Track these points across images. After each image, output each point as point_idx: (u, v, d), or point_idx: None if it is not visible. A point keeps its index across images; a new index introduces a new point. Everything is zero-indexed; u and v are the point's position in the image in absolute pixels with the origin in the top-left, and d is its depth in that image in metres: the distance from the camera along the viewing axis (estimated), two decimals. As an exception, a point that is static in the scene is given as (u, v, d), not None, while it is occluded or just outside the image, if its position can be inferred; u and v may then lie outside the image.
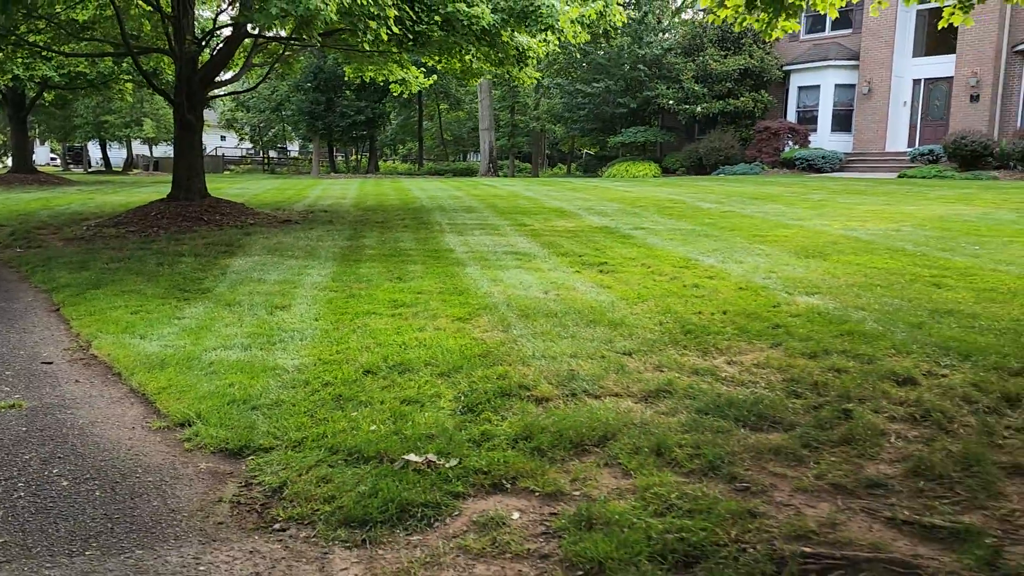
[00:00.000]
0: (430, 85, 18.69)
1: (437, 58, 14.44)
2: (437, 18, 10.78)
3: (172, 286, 7.77)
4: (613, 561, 2.70)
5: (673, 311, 6.21)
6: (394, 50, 12.37)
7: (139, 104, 42.17)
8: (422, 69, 18.57)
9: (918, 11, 27.49)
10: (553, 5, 10.84)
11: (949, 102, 26.82)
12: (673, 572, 2.67)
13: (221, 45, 13.04)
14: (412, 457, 3.52)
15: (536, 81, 16.98)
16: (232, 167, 57.70)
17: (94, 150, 61.38)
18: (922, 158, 25.10)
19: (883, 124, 28.51)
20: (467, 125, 55.86)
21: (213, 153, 59.10)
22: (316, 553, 2.89)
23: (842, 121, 30.02)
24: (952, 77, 26.53)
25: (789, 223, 11.64)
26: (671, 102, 31.09)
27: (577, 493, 3.25)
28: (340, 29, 10.49)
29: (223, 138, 68.14)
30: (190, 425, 4.08)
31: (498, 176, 38.36)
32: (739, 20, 6.85)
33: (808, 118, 30.78)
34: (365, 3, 8.86)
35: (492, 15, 11.06)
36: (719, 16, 6.81)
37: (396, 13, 9.43)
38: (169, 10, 12.44)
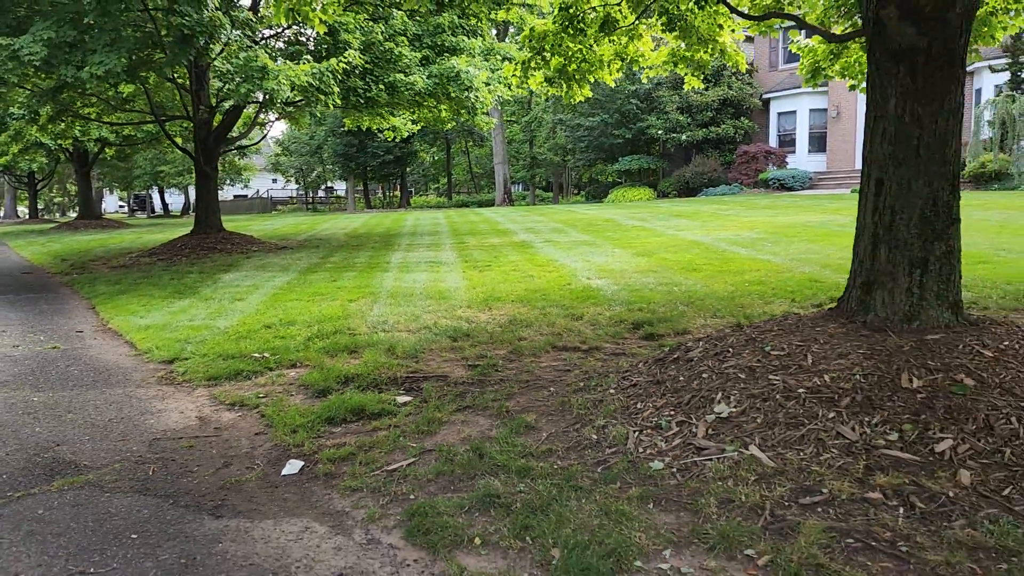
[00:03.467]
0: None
1: (407, 112, 17.72)
2: (382, 86, 14.03)
3: (173, 291, 11.04)
4: (334, 382, 5.71)
5: (492, 291, 9.18)
6: (354, 111, 15.64)
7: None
8: (410, 118, 21.89)
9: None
10: (469, 71, 13.99)
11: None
12: (370, 391, 5.63)
13: (228, 112, 16.51)
14: (255, 355, 6.59)
15: (492, 125, 20.02)
16: (280, 207, 62.28)
17: (157, 197, 66.83)
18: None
19: (852, 144, 30.83)
20: (493, 160, 59.33)
21: (263, 195, 63.86)
22: (188, 390, 5.95)
23: (817, 142, 32.44)
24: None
25: (668, 233, 14.46)
26: (660, 132, 33.92)
27: (329, 367, 6.25)
28: (298, 101, 13.81)
29: (274, 180, 73.22)
30: (149, 352, 7.21)
31: (513, 205, 41.54)
32: (544, 91, 9.86)
33: (788, 141, 33.28)
34: (313, 85, 12.14)
35: (427, 80, 14.26)
36: (525, 87, 9.82)
37: (339, 89, 12.68)
38: (187, 85, 15.98)
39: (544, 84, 10.08)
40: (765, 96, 33.65)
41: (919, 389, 3.82)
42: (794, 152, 32.68)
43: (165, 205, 58.38)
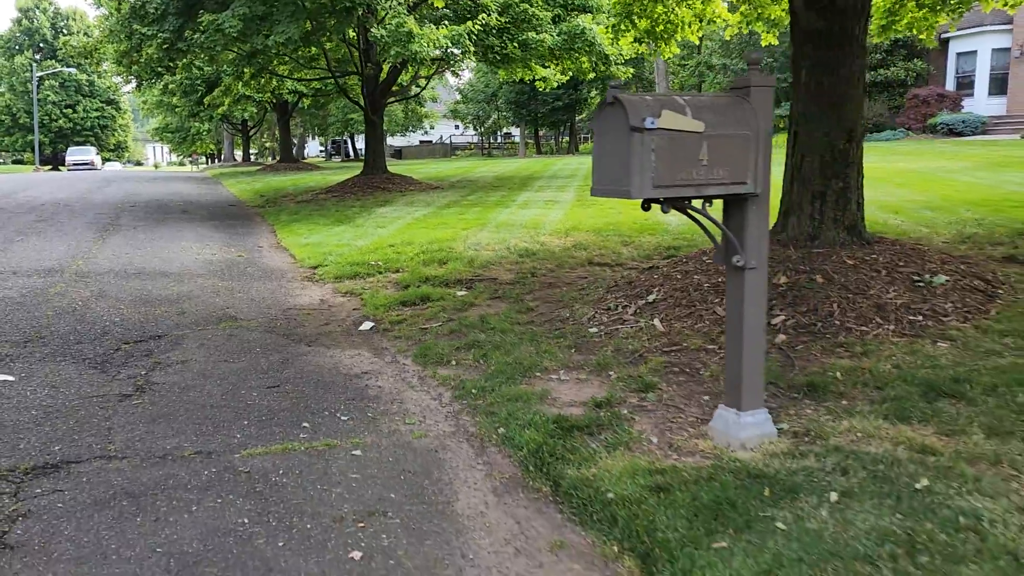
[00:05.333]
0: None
1: (548, 64, 19.42)
2: (516, 44, 15.85)
3: (335, 220, 13.65)
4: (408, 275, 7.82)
5: (576, 224, 10.90)
6: (493, 66, 17.54)
7: (377, 102, 50.73)
8: (557, 70, 23.50)
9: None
10: (593, 28, 15.46)
11: (1102, 61, 26.86)
12: (439, 287, 7.69)
13: (391, 69, 18.98)
14: (372, 263, 8.83)
15: (629, 75, 21.17)
16: (459, 152, 66.17)
17: (350, 142, 72.78)
18: (1053, 119, 25.75)
19: (1036, 86, 28.86)
20: (663, 105, 59.36)
21: (445, 141, 67.94)
22: (320, 284, 8.26)
23: (999, 85, 30.55)
24: (1104, 36, 26.58)
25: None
26: (825, 76, 33.20)
27: (419, 272, 8.32)
28: (442, 58, 15.90)
29: (456, 127, 77.28)
30: (303, 261, 9.66)
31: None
32: (635, 49, 11.27)
33: (967, 83, 31.54)
34: (452, 44, 14.19)
35: (556, 37, 15.92)
36: (617, 47, 11.27)
37: (474, 48, 14.63)
38: (358, 46, 18.57)
39: (634, 44, 11.53)
40: (944, 36, 31.90)
41: (783, 284, 5.27)
42: (972, 95, 30.97)
43: (355, 150, 63.60)
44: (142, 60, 16.34)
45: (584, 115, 59.90)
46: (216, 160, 66.55)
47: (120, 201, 18.14)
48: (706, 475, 3.14)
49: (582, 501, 3.10)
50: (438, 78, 27.40)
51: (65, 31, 62.46)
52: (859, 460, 3.15)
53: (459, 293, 7.18)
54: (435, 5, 13.85)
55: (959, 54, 31.94)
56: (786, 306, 5.08)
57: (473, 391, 4.50)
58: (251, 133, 53.77)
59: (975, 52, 31.11)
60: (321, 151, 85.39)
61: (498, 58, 16.13)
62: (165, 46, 15.34)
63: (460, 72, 23.24)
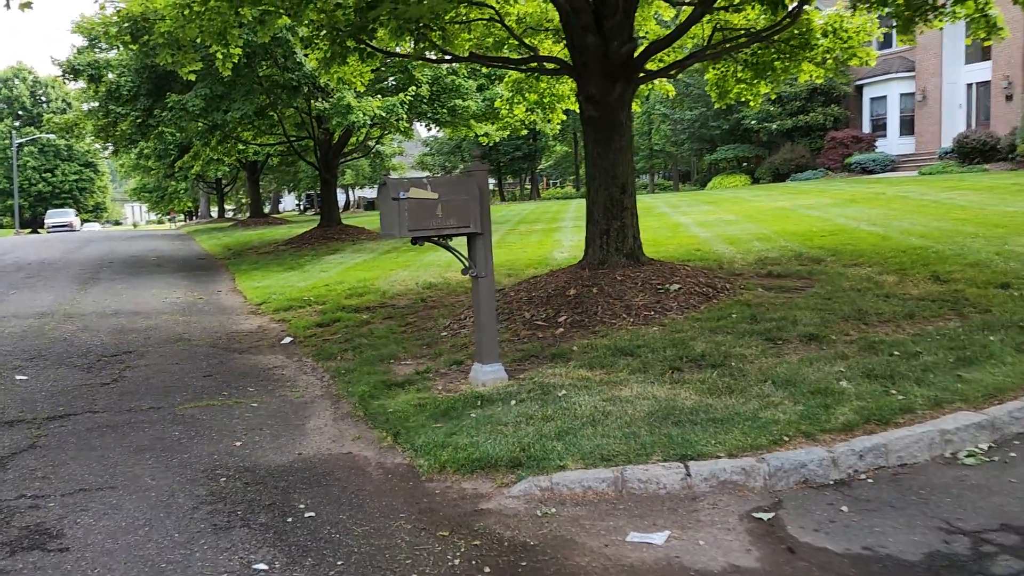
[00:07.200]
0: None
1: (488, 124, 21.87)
2: (445, 110, 18.29)
3: (287, 267, 15.82)
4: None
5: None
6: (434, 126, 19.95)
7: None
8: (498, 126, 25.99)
9: (966, 23, 30.64)
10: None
11: (991, 103, 29.83)
12: (352, 312, 9.86)
13: (342, 134, 21.35)
14: (305, 298, 11.00)
15: (556, 131, 23.57)
16: (427, 202, 68.85)
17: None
18: (948, 155, 28.58)
19: (937, 126, 31.81)
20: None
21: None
22: (261, 315, 10.40)
23: (907, 126, 33.52)
24: (990, 81, 29.60)
25: (659, 216, 17.75)
26: (753, 122, 36.12)
27: (338, 303, 10.50)
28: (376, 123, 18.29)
29: (427, 177, 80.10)
30: (251, 300, 11.79)
31: (625, 195, 44.83)
32: (528, 117, 13.66)
33: (880, 125, 34.52)
34: (386, 113, 16.57)
35: (480, 103, 18.38)
36: (514, 115, 13.66)
37: (407, 115, 17.03)
38: (311, 115, 20.95)
39: (527, 113, 13.93)
40: (857, 83, 34.98)
41: (571, 294, 7.50)
42: (885, 136, 33.91)
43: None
44: (117, 133, 18.62)
45: (544, 163, 63.08)
46: (194, 217, 68.69)
47: (100, 258, 20.24)
48: (451, 399, 5.32)
49: (377, 416, 5.26)
50: (401, 134, 29.96)
51: (44, 98, 65.04)
52: (541, 387, 5.34)
53: (363, 316, 9.34)
54: (380, 78, 16.28)
55: (872, 99, 34.98)
56: (570, 309, 7.30)
57: (343, 372, 6.65)
58: (226, 190, 56.13)
59: (885, 97, 34.16)
60: (297, 204, 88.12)
61: (432, 122, 18.55)
62: (138, 121, 17.64)
63: (412, 132, 25.64)
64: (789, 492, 3.78)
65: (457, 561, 3.29)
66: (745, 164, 38.94)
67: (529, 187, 61.34)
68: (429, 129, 20.13)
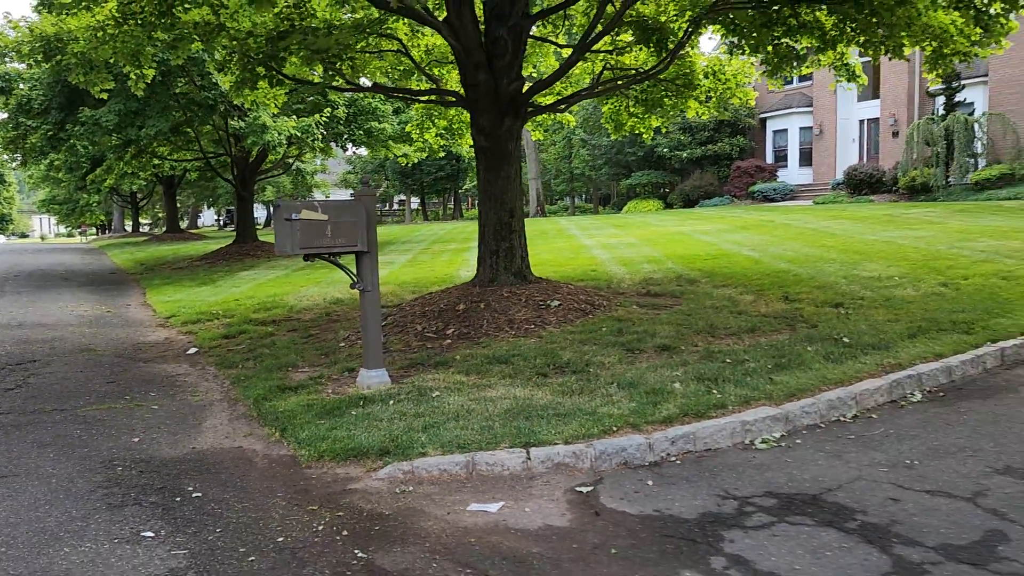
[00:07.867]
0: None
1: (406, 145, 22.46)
2: (361, 132, 18.83)
3: (200, 282, 16.03)
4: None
5: (387, 278, 13.71)
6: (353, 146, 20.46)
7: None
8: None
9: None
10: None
11: (880, 139, 32.08)
12: (257, 325, 10.28)
13: (259, 152, 21.62)
14: (214, 311, 11.35)
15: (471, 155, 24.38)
16: (350, 220, 68.77)
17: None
18: (839, 186, 30.60)
19: (833, 158, 33.95)
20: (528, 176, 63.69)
21: (334, 209, 70.31)
22: (169, 328, 10.73)
23: (806, 157, 35.63)
24: (879, 118, 31.85)
25: (568, 238, 18.67)
26: (666, 150, 37.73)
27: (244, 316, 10.91)
28: (296, 143, 18.71)
29: (352, 195, 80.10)
30: (160, 313, 12.06)
31: (545, 216, 45.96)
32: (439, 142, 14.35)
33: (782, 156, 36.57)
34: (299, 135, 17.01)
35: (395, 126, 18.98)
36: (425, 140, 14.33)
37: (323, 135, 17.49)
38: (227, 132, 21.17)
39: (437, 138, 14.60)
40: (761, 116, 37.02)
41: (460, 309, 8.16)
42: (786, 167, 35.94)
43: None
44: (27, 145, 18.49)
45: (469, 184, 63.96)
46: (107, 231, 66.84)
47: (4, 271, 19.94)
48: (337, 400, 5.90)
49: (268, 415, 5.79)
50: (322, 153, 30.24)
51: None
52: (419, 389, 5.97)
53: (268, 328, 9.80)
54: (296, 99, 16.72)
55: (775, 131, 37.05)
56: (459, 323, 7.96)
57: (242, 379, 7.14)
58: (141, 204, 54.97)
59: (787, 130, 36.24)
60: (217, 220, 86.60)
61: (349, 143, 19.05)
62: (50, 134, 17.60)
63: (332, 151, 26.01)
64: (611, 471, 4.50)
65: (320, 527, 3.89)
66: (661, 189, 40.54)
67: (452, 207, 62.07)
68: (345, 150, 20.55)
